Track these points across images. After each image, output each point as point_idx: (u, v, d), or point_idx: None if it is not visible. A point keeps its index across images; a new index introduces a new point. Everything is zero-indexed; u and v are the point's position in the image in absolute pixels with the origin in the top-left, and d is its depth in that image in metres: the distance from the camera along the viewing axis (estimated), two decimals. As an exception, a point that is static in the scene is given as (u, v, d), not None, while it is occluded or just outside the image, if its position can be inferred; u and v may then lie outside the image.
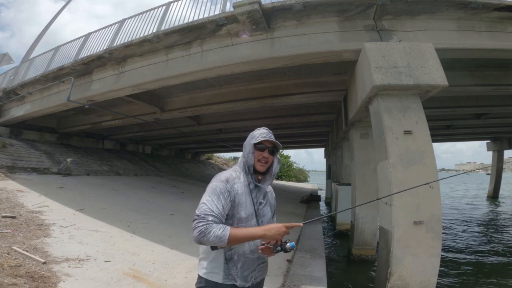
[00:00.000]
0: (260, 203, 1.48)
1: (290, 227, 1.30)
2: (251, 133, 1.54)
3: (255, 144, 1.48)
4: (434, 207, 3.66)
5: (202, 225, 1.23)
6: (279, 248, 1.29)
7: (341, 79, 6.51)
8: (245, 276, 1.37)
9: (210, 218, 1.25)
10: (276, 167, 1.53)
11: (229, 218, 1.36)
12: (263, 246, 1.33)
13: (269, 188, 1.61)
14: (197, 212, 1.29)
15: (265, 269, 1.51)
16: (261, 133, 1.51)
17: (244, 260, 1.37)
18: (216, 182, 1.38)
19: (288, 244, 1.29)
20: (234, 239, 1.24)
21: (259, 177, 1.53)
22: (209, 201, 1.31)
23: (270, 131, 1.54)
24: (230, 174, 1.45)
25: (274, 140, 1.50)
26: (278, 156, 1.55)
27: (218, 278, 1.35)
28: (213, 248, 1.29)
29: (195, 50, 5.54)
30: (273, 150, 1.50)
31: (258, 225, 1.40)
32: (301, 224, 1.41)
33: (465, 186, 36.69)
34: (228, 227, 1.24)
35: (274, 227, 1.28)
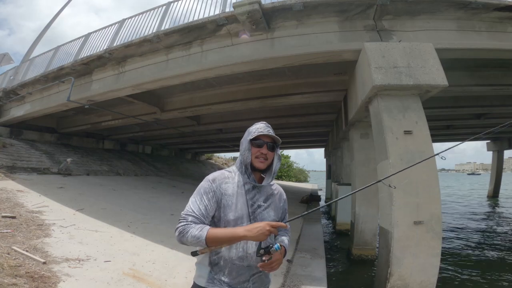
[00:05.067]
0: (259, 206, 1.34)
1: (275, 226, 1.19)
2: (248, 129, 1.41)
3: (251, 140, 1.35)
4: (434, 207, 3.66)
5: (181, 226, 1.20)
6: (262, 251, 1.18)
7: (341, 79, 6.50)
8: (233, 284, 1.26)
9: (190, 218, 1.22)
10: (276, 165, 1.40)
11: (217, 220, 1.29)
12: (262, 263, 1.22)
13: (277, 190, 1.47)
14: (182, 212, 1.26)
15: (262, 280, 1.34)
16: (257, 128, 1.37)
17: (231, 267, 1.26)
18: (203, 182, 1.32)
19: (273, 246, 1.17)
20: (213, 240, 1.18)
21: (261, 176, 1.40)
22: (193, 201, 1.27)
23: (269, 126, 1.41)
24: (221, 173, 1.36)
25: (273, 134, 1.36)
26: (279, 153, 1.41)
27: (202, 282, 1.28)
28: (194, 254, 1.24)
29: (195, 50, 5.54)
30: (273, 145, 1.36)
31: None
32: (287, 225, 1.31)
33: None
34: (207, 227, 1.19)
35: (256, 226, 1.17)
